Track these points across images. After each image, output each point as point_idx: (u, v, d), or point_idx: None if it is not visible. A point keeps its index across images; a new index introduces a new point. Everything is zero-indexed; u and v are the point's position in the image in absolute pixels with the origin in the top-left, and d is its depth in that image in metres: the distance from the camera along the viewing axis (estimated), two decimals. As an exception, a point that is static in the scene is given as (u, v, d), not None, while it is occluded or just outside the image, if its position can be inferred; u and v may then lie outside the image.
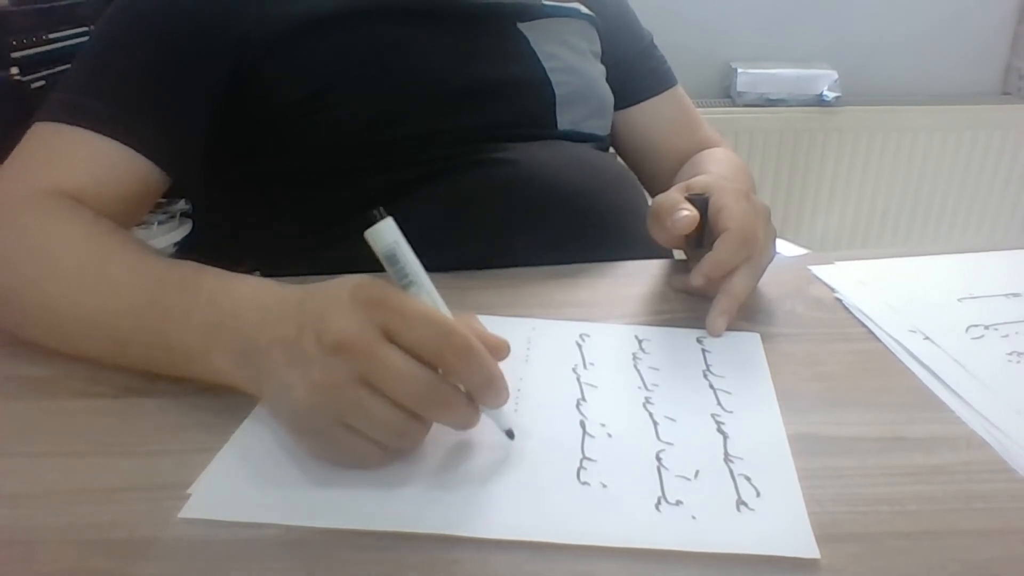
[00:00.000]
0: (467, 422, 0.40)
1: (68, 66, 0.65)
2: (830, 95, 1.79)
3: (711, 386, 0.48)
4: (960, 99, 1.89)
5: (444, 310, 0.40)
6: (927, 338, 0.54)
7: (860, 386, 0.49)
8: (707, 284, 0.56)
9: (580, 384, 0.49)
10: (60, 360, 0.51)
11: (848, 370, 0.51)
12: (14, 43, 1.25)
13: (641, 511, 0.38)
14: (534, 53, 0.76)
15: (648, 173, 0.90)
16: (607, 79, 0.84)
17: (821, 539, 0.36)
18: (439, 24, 0.72)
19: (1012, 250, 0.69)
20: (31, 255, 0.53)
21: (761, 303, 0.59)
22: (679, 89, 0.92)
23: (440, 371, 0.38)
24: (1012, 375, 0.50)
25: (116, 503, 0.39)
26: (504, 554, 0.35)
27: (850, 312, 0.58)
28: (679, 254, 0.65)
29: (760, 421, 0.45)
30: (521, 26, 0.76)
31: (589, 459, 0.41)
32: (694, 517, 0.37)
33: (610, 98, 0.83)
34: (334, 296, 0.39)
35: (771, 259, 0.59)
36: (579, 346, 0.53)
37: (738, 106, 1.83)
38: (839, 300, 0.60)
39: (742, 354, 0.52)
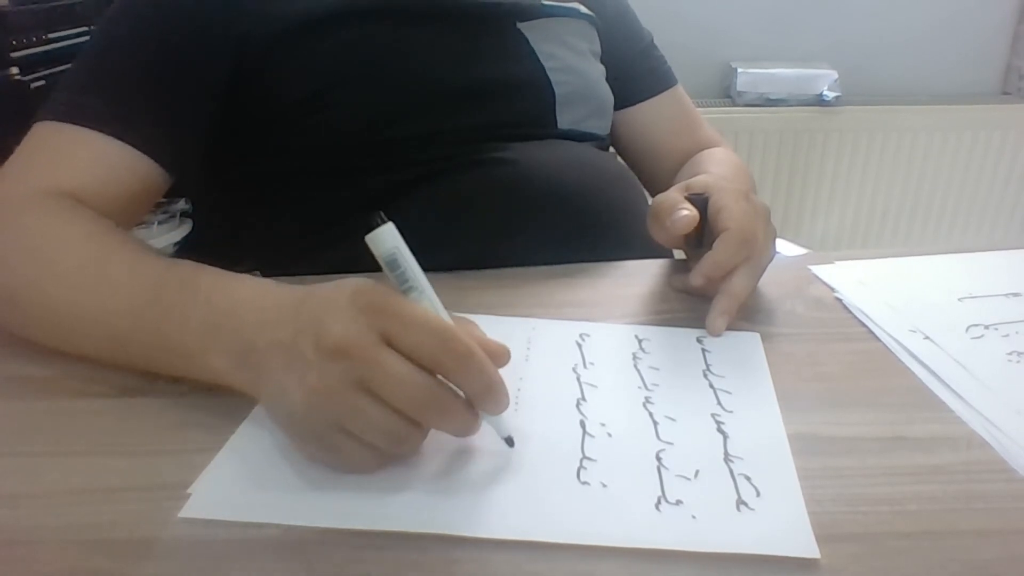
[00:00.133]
0: (467, 429, 0.40)
1: (68, 66, 0.65)
2: (830, 95, 1.79)
3: (711, 386, 0.49)
4: (960, 99, 1.89)
5: (444, 316, 0.39)
6: (927, 338, 0.54)
7: (860, 386, 0.49)
8: (707, 284, 0.56)
9: (580, 384, 0.49)
10: (60, 360, 0.51)
11: (848, 370, 0.51)
12: (14, 43, 1.25)
13: (641, 511, 0.38)
14: (534, 53, 0.75)
15: (648, 173, 0.90)
16: (607, 79, 0.84)
17: (821, 539, 0.36)
18: (439, 24, 0.72)
19: (1012, 250, 0.69)
20: (31, 255, 0.53)
21: (761, 303, 0.59)
22: (679, 89, 0.92)
23: (440, 377, 0.38)
24: (1012, 375, 0.50)
25: (116, 503, 0.39)
26: (504, 554, 0.35)
27: (850, 312, 0.58)
28: (679, 254, 0.65)
29: (760, 421, 0.45)
30: (521, 26, 0.76)
31: (589, 459, 0.41)
32: (694, 517, 0.37)
33: (610, 98, 0.83)
34: (333, 300, 0.38)
35: (771, 259, 0.59)
36: (579, 346, 0.53)
37: (738, 106, 1.83)
38: (839, 300, 0.60)
39: (742, 354, 0.52)
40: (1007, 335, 0.54)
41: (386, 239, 0.38)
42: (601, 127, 0.81)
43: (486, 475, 0.40)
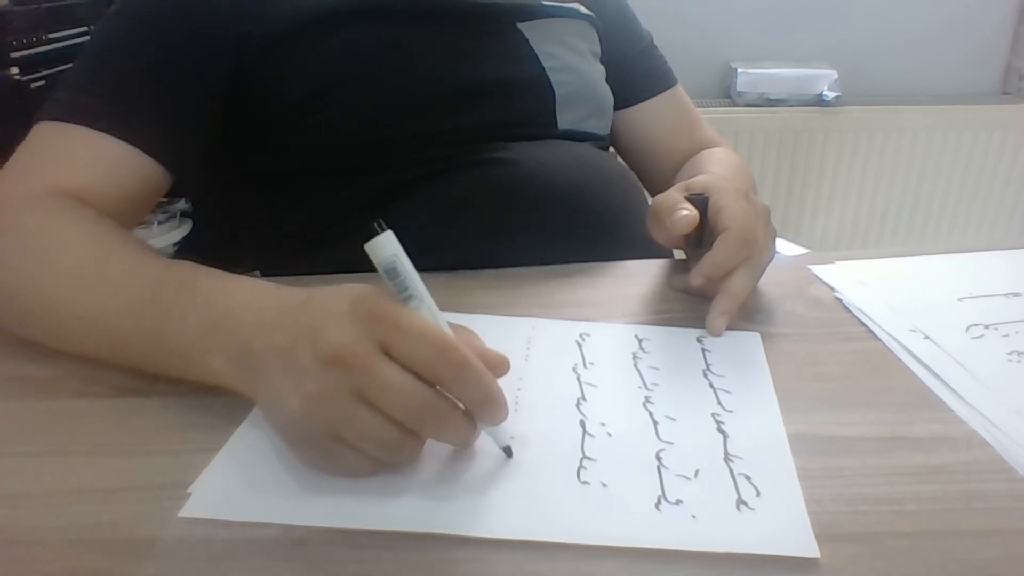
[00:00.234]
0: (464, 439, 0.40)
1: (68, 66, 0.65)
2: (830, 95, 1.79)
3: (711, 385, 0.49)
4: (960, 99, 1.89)
5: (444, 325, 0.39)
6: (927, 338, 0.54)
7: (860, 386, 0.49)
8: (707, 284, 0.56)
9: (580, 383, 0.49)
10: (60, 360, 0.51)
11: (848, 370, 0.51)
12: (14, 43, 1.25)
13: (641, 510, 0.38)
14: (534, 53, 0.76)
15: (648, 173, 0.90)
16: (607, 79, 0.84)
17: (821, 539, 0.36)
18: (439, 24, 0.72)
19: (1012, 250, 0.69)
20: (32, 255, 0.53)
21: (761, 303, 0.59)
22: (679, 89, 0.92)
23: (438, 387, 0.38)
24: (1012, 375, 0.50)
25: (116, 503, 0.39)
26: (504, 554, 0.35)
27: (850, 312, 0.58)
28: (679, 254, 0.65)
29: (760, 421, 0.45)
30: (521, 26, 0.76)
31: (589, 458, 0.41)
32: (694, 516, 0.37)
33: (610, 98, 0.83)
34: (332, 307, 0.38)
35: (771, 259, 0.59)
36: (579, 345, 0.53)
37: (738, 106, 1.83)
38: (839, 300, 0.60)
39: (742, 354, 0.52)
40: (1007, 335, 0.54)
41: (385, 247, 0.38)
42: (601, 127, 0.81)
43: (486, 475, 0.40)
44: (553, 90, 0.75)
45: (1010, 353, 0.52)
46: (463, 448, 0.41)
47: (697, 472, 0.40)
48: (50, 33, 1.32)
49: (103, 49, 0.66)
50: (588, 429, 0.44)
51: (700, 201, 0.58)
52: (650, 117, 0.89)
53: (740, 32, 1.86)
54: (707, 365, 0.51)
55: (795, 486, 0.39)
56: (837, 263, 0.66)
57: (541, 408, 0.46)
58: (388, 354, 0.37)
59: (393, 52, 0.69)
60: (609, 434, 0.44)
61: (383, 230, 0.38)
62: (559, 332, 0.55)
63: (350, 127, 0.68)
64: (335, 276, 0.58)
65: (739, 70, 1.80)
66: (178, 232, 1.58)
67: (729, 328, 0.55)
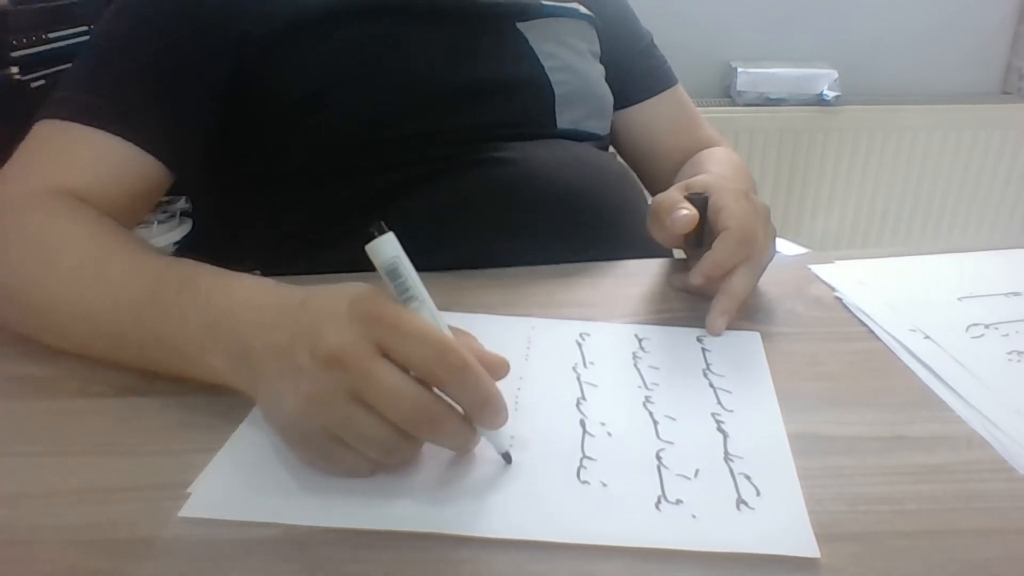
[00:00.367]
0: (462, 443, 0.39)
1: (68, 66, 0.65)
2: (830, 95, 1.79)
3: (711, 385, 0.48)
4: (960, 99, 1.89)
5: (443, 327, 0.39)
6: (927, 337, 0.54)
7: (860, 386, 0.49)
8: (707, 283, 0.56)
9: (580, 383, 0.49)
10: (60, 360, 0.51)
11: (848, 370, 0.51)
12: (14, 43, 1.25)
13: (641, 510, 0.38)
14: (533, 53, 0.75)
15: (648, 173, 0.90)
16: (607, 79, 0.84)
17: (821, 539, 0.36)
18: (438, 23, 0.72)
19: (1012, 250, 0.69)
20: (32, 253, 0.53)
21: (761, 302, 0.59)
22: (679, 89, 0.92)
23: (436, 391, 0.37)
24: (1012, 374, 0.50)
25: (116, 503, 0.39)
26: (505, 554, 0.35)
27: (850, 311, 0.58)
28: (679, 253, 0.65)
29: (760, 420, 0.45)
30: (520, 26, 0.76)
31: (589, 458, 0.41)
32: (694, 516, 0.37)
33: (609, 98, 0.83)
34: (332, 307, 0.38)
35: (771, 258, 0.59)
36: (579, 345, 0.53)
37: (738, 106, 1.83)
38: (839, 299, 0.60)
39: (742, 353, 0.52)
40: (1007, 335, 0.54)
41: (386, 249, 0.38)
42: (601, 127, 0.81)
43: (486, 475, 0.40)
44: (553, 90, 0.75)
45: (1010, 353, 0.52)
46: (462, 453, 0.41)
47: (697, 472, 0.40)
48: (50, 33, 1.32)
49: (103, 48, 0.66)
50: (588, 429, 0.44)
51: (700, 201, 0.58)
52: (650, 117, 0.89)
53: (740, 32, 1.85)
54: (707, 365, 0.51)
55: (795, 486, 0.39)
56: (837, 263, 0.66)
57: (541, 408, 0.46)
58: (386, 355, 0.37)
59: (393, 52, 0.69)
60: (609, 434, 0.44)
61: (384, 231, 0.38)
62: (559, 332, 0.55)
63: (350, 127, 0.68)
64: (335, 276, 0.58)
65: (739, 70, 1.80)
66: (178, 232, 1.58)
67: (729, 328, 0.55)
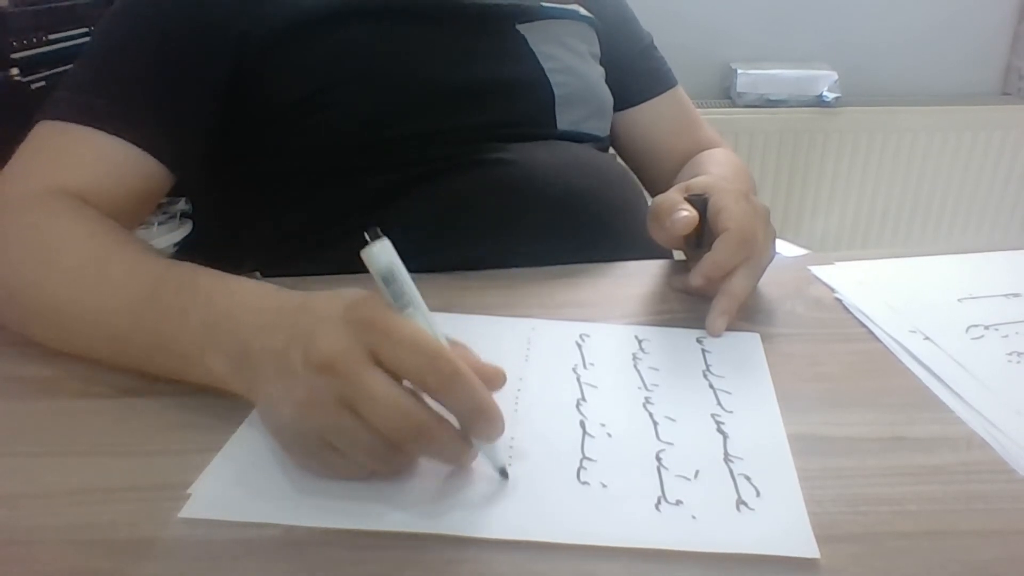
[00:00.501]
0: (455, 456, 0.39)
1: (68, 66, 0.65)
2: (830, 96, 1.79)
3: (711, 386, 0.49)
4: (960, 99, 1.89)
5: (439, 335, 0.38)
6: (927, 338, 0.54)
7: (860, 386, 0.49)
8: (707, 284, 0.56)
9: (580, 384, 0.49)
10: (60, 360, 0.51)
11: (848, 370, 0.51)
12: (14, 43, 1.25)
13: (641, 511, 0.38)
14: (533, 54, 0.76)
15: (648, 174, 0.90)
16: (607, 80, 0.84)
17: (821, 539, 0.36)
18: (438, 24, 0.72)
19: (1012, 250, 0.69)
20: (33, 254, 0.53)
21: (761, 303, 0.59)
22: (679, 90, 0.92)
23: (429, 403, 0.37)
24: (1012, 375, 0.50)
25: (116, 503, 0.39)
26: (505, 554, 0.35)
27: (850, 312, 0.58)
28: (679, 254, 0.65)
29: (760, 421, 0.45)
30: (520, 27, 0.76)
31: (589, 459, 0.41)
32: (694, 517, 0.37)
33: (609, 99, 0.83)
34: (326, 313, 0.38)
35: (771, 259, 0.59)
36: (579, 346, 0.53)
37: (738, 107, 1.83)
38: (839, 300, 0.60)
39: (742, 354, 0.52)
40: (1007, 335, 0.54)
41: (381, 256, 0.37)
42: (601, 128, 0.81)
43: (486, 475, 0.40)
44: (552, 91, 0.75)
45: (1010, 354, 0.52)
46: (457, 466, 0.40)
47: (697, 473, 0.40)
48: (50, 34, 1.32)
49: (104, 49, 0.66)
50: (588, 430, 0.44)
51: (700, 202, 0.58)
52: (650, 118, 0.89)
53: (740, 32, 1.86)
54: (707, 366, 0.51)
55: (795, 486, 0.39)
56: (837, 264, 0.66)
57: (541, 409, 0.46)
58: (379, 363, 0.36)
59: (393, 52, 0.69)
60: (609, 435, 0.44)
61: (379, 237, 0.37)
62: (559, 333, 0.55)
63: (350, 127, 0.68)
64: (336, 277, 0.58)
65: (739, 71, 1.80)
66: (178, 232, 1.58)
67: (729, 328, 0.55)
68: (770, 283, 0.60)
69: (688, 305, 0.59)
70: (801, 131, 1.84)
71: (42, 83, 1.26)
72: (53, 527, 0.37)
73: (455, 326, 0.46)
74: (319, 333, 0.37)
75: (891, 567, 0.35)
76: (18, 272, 0.52)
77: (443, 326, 0.39)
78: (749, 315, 0.57)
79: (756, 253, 0.57)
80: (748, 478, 0.40)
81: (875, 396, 0.48)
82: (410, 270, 0.38)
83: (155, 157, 0.62)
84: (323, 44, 0.67)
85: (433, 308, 0.39)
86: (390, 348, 0.36)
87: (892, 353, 0.53)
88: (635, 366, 0.51)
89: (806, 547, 0.35)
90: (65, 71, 0.65)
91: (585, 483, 0.40)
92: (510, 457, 0.41)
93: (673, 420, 0.45)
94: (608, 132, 0.84)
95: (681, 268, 0.64)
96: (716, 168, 0.80)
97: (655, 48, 0.93)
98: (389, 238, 0.38)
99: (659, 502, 0.38)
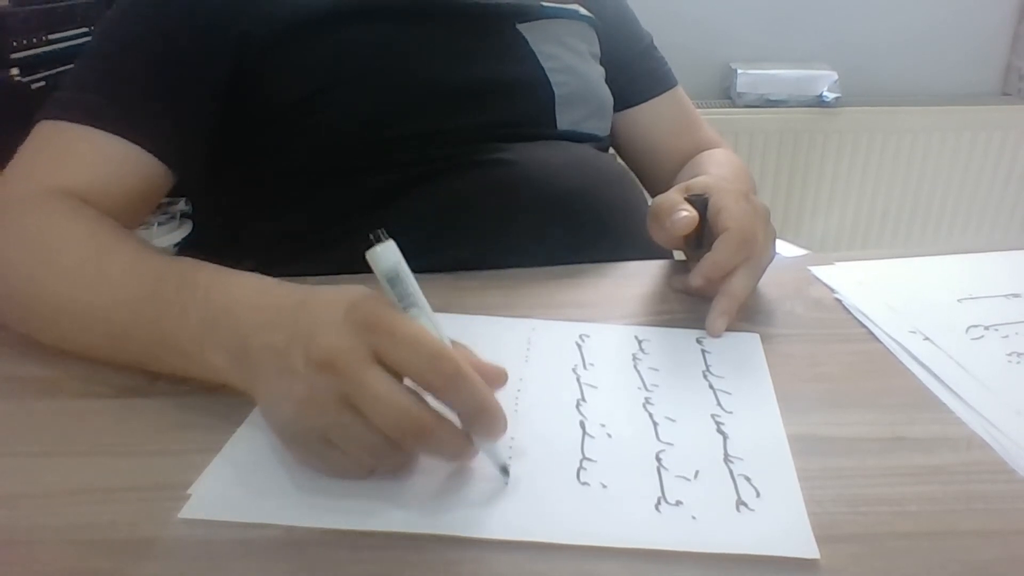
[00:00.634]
0: (456, 454, 0.39)
1: (69, 66, 0.65)
2: (830, 96, 1.79)
3: (711, 386, 0.48)
4: (960, 99, 1.89)
5: (443, 336, 0.39)
6: (927, 339, 0.54)
7: (860, 387, 0.49)
8: (707, 285, 0.56)
9: (580, 384, 0.49)
10: (60, 360, 0.51)
11: (848, 371, 0.51)
12: (14, 43, 1.25)
13: (641, 511, 0.38)
14: (533, 54, 0.76)
15: (648, 174, 0.90)
16: (607, 80, 0.84)
17: (821, 539, 0.36)
18: (438, 24, 0.72)
19: (1012, 250, 0.69)
20: (32, 252, 0.53)
21: (761, 304, 0.59)
22: (679, 90, 0.92)
23: (431, 402, 0.37)
24: (1012, 376, 0.50)
25: (116, 503, 0.39)
26: (504, 554, 0.35)
27: (850, 313, 0.58)
28: (679, 254, 0.65)
29: (760, 422, 0.45)
30: (520, 27, 0.76)
31: (589, 459, 0.41)
32: (694, 517, 0.37)
33: (609, 99, 0.83)
34: (328, 311, 0.38)
35: (771, 260, 0.59)
36: (579, 346, 0.53)
37: (738, 107, 1.83)
38: (839, 301, 0.60)
39: (742, 355, 0.52)
40: (1007, 336, 0.54)
41: (387, 257, 0.37)
42: (601, 128, 0.81)
43: (486, 476, 0.40)
44: (552, 91, 0.75)
45: (1010, 354, 0.52)
46: (458, 463, 0.40)
47: (697, 473, 0.40)
48: (50, 34, 1.33)
49: (105, 49, 0.66)
50: (588, 430, 0.44)
51: (700, 202, 0.58)
52: (650, 118, 0.89)
53: (740, 32, 1.86)
54: (707, 366, 0.51)
55: (795, 487, 0.39)
56: (837, 264, 0.66)
57: (541, 409, 0.46)
58: (381, 362, 0.36)
59: (393, 52, 0.69)
60: (609, 435, 0.44)
61: (384, 239, 0.37)
62: (559, 333, 0.55)
63: (350, 127, 0.68)
64: (336, 277, 0.58)
65: (739, 71, 1.80)
66: (178, 232, 1.58)
67: (729, 329, 0.55)
68: (770, 283, 0.60)
69: (688, 305, 0.59)
70: (801, 131, 1.84)
71: (42, 83, 1.26)
72: (53, 527, 0.37)
73: (455, 326, 0.46)
74: (321, 332, 0.37)
75: (891, 567, 0.35)
76: (18, 271, 0.53)
77: (446, 327, 0.39)
78: (749, 315, 0.57)
79: (756, 253, 0.57)
80: (748, 478, 0.40)
81: (875, 396, 0.48)
82: (411, 270, 0.39)
83: (156, 156, 0.62)
84: (323, 44, 0.67)
85: (433, 308, 0.39)
86: (393, 347, 0.36)
87: (892, 353, 0.53)
88: (635, 366, 0.51)
89: (806, 547, 0.35)
90: (65, 71, 0.65)
91: (585, 483, 0.40)
92: (510, 457, 0.41)
93: (673, 420, 0.45)
94: (608, 132, 0.84)
95: (681, 268, 0.64)
96: (716, 168, 0.80)
97: (655, 48, 0.93)
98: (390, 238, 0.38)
99: (659, 502, 0.38)
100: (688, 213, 0.57)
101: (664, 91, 0.90)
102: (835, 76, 1.79)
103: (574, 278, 0.64)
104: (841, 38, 1.87)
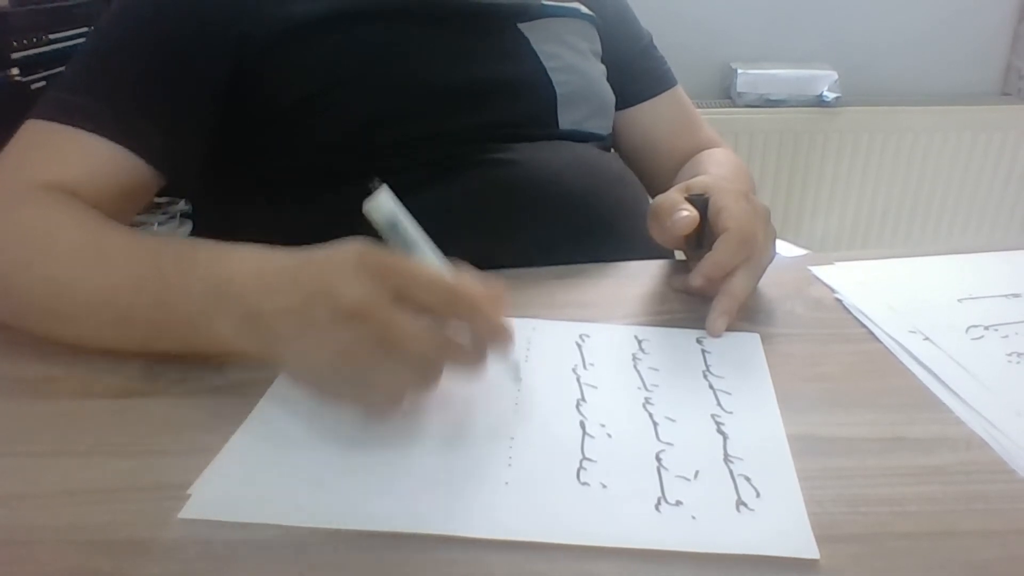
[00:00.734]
0: (476, 365, 0.43)
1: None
2: (830, 95, 1.79)
3: (711, 386, 0.48)
4: (960, 99, 1.89)
5: (445, 268, 0.43)
6: (927, 339, 0.54)
7: (860, 387, 0.49)
8: (707, 284, 0.56)
9: (580, 384, 0.49)
10: (60, 360, 0.51)
11: (848, 371, 0.51)
12: (14, 43, 1.25)
13: (641, 511, 0.38)
14: (534, 53, 0.75)
15: (648, 173, 0.90)
16: (607, 79, 0.84)
17: (821, 539, 0.36)
18: (439, 25, 0.72)
19: (1012, 250, 0.69)
20: (25, 243, 0.53)
21: (761, 304, 0.59)
22: (679, 90, 0.92)
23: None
24: (1012, 376, 0.50)
25: (116, 503, 0.39)
26: (504, 554, 0.35)
27: (850, 313, 0.58)
28: (679, 254, 0.65)
29: (760, 422, 0.45)
30: (521, 26, 0.76)
31: (589, 459, 0.41)
32: (694, 517, 0.37)
33: (611, 98, 0.83)
34: (340, 264, 0.41)
35: (771, 260, 0.59)
36: (579, 346, 0.53)
37: (738, 107, 1.83)
38: (839, 300, 0.60)
39: (742, 354, 0.52)
40: (1007, 336, 0.54)
41: (385, 204, 0.42)
42: (603, 127, 0.81)
43: (486, 476, 0.40)
44: (554, 90, 0.75)
45: (1010, 354, 0.52)
46: (477, 373, 0.43)
47: (697, 473, 0.40)
48: (50, 34, 1.33)
49: (101, 50, 0.66)
50: (588, 430, 0.44)
51: (700, 202, 0.58)
52: (650, 117, 0.89)
53: (740, 32, 1.86)
54: (707, 366, 0.51)
55: (795, 487, 0.39)
56: (837, 264, 0.66)
57: (541, 409, 0.46)
58: (401, 302, 0.40)
59: (393, 53, 0.69)
60: (609, 435, 0.44)
61: (379, 187, 0.41)
62: (559, 333, 0.55)
63: (350, 129, 0.68)
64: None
65: (739, 70, 1.80)
66: (178, 233, 1.58)
67: (729, 329, 0.55)
68: (770, 283, 0.60)
69: (688, 305, 0.59)
70: (801, 131, 1.84)
71: (42, 83, 1.26)
72: (53, 527, 0.37)
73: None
74: (340, 286, 0.40)
75: (891, 567, 0.35)
76: (12, 261, 0.52)
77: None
78: (749, 315, 0.57)
79: (756, 253, 0.57)
80: (748, 479, 0.40)
81: (875, 396, 0.48)
82: None
83: (140, 156, 0.62)
84: (323, 46, 0.67)
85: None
86: (414, 289, 0.41)
87: (892, 353, 0.53)
88: (635, 366, 0.51)
89: (806, 547, 0.35)
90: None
91: (585, 483, 0.40)
92: (510, 458, 0.41)
93: (673, 420, 0.45)
94: (610, 130, 0.84)
95: (681, 268, 0.64)
96: (716, 168, 0.80)
97: (655, 48, 0.93)
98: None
99: (659, 502, 0.38)
100: (689, 213, 0.57)
101: (663, 91, 0.90)
102: (835, 76, 1.79)
103: (574, 278, 0.64)
104: (841, 38, 1.87)
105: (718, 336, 0.54)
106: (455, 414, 0.45)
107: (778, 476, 0.40)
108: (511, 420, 0.44)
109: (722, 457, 0.42)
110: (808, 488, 0.39)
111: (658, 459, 0.42)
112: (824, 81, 1.79)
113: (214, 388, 0.46)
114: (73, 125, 0.60)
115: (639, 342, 0.54)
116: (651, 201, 0.63)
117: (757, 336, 0.54)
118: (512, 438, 0.43)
